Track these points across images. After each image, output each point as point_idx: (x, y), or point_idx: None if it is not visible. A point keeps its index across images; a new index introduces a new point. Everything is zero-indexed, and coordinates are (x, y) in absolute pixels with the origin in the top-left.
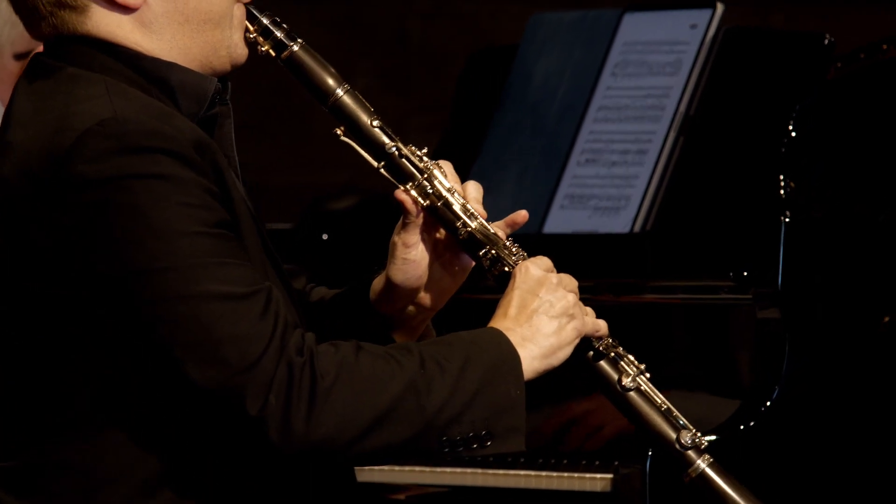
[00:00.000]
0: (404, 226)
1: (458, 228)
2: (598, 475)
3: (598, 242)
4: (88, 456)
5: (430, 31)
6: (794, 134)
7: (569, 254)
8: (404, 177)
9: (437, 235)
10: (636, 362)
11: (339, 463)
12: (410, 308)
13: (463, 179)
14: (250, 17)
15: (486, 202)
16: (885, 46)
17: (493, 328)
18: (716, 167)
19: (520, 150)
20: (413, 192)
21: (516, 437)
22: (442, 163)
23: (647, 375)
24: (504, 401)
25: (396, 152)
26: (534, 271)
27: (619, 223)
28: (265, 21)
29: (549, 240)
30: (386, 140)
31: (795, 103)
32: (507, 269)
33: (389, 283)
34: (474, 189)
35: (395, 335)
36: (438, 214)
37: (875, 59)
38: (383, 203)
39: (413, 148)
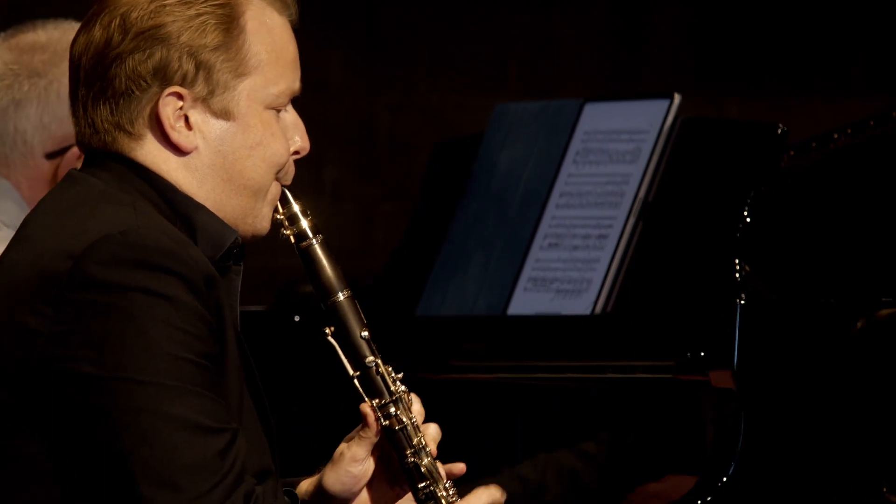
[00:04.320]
0: (359, 439)
1: (406, 457)
2: None
3: (560, 324)
4: None
5: (398, 123)
6: (748, 220)
7: (532, 335)
8: (374, 392)
9: (385, 458)
10: None
11: None
12: None
13: (430, 264)
14: (283, 200)
15: (453, 285)
16: (836, 136)
17: None
18: (673, 251)
19: (485, 235)
20: (377, 410)
21: None
22: (413, 396)
23: None
24: None
25: (374, 368)
26: None
27: (581, 305)
28: (296, 208)
29: (512, 321)
30: (367, 354)
31: (750, 190)
32: None
33: (322, 489)
34: (434, 430)
35: None
36: (393, 438)
37: (826, 149)
38: (353, 288)
39: (390, 369)
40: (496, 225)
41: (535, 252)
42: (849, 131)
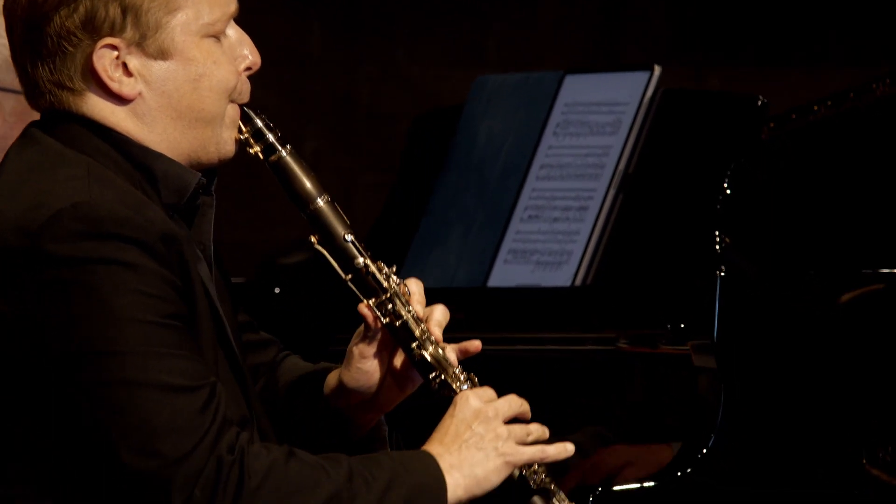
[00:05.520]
0: (363, 338)
1: (412, 349)
2: None
3: (540, 296)
4: None
5: (377, 94)
6: (728, 191)
7: (512, 307)
8: (369, 292)
9: (394, 350)
10: (567, 500)
11: None
12: (359, 409)
13: (411, 236)
14: (245, 118)
15: (433, 257)
16: (815, 107)
17: (424, 451)
18: (654, 223)
19: (465, 206)
20: (374, 309)
21: None
22: (412, 284)
23: None
24: None
25: (364, 268)
26: (472, 402)
27: (561, 277)
28: (259, 123)
29: (492, 293)
30: (356, 255)
31: (730, 162)
32: (451, 395)
33: (342, 385)
34: (440, 313)
35: (347, 428)
36: (396, 334)
37: (806, 120)
38: None
39: (381, 265)
40: (476, 197)
41: (516, 224)
42: (829, 103)
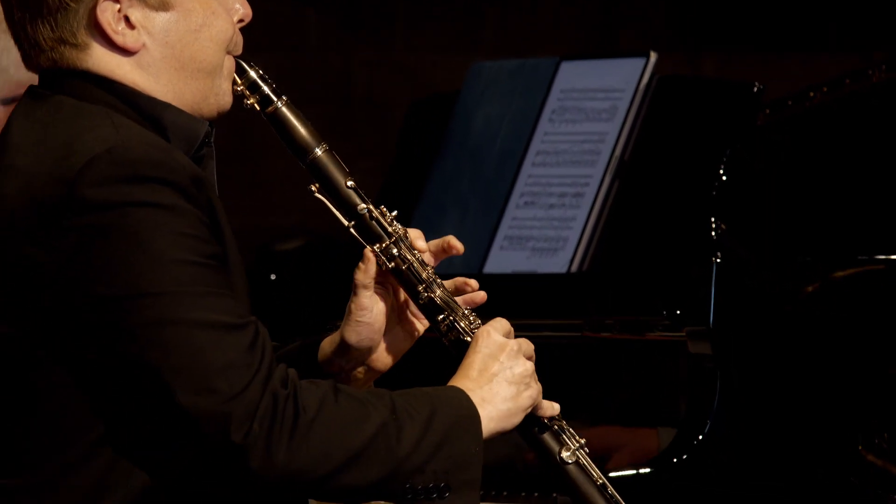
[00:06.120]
0: (358, 287)
1: (419, 293)
2: None
3: (536, 282)
4: (77, 476)
5: (374, 81)
6: (724, 178)
7: (508, 293)
8: (373, 238)
9: (395, 299)
10: (577, 436)
11: (308, 496)
12: (359, 369)
13: (406, 222)
14: (239, 71)
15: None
16: (811, 94)
17: (454, 386)
18: (650, 209)
19: (461, 193)
20: (380, 255)
21: (472, 491)
22: (412, 231)
23: (587, 450)
24: (464, 456)
25: (367, 214)
26: (495, 337)
27: (557, 263)
28: (253, 75)
29: (488, 279)
30: (358, 201)
31: (726, 148)
32: (462, 335)
33: (343, 343)
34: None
35: None
36: (402, 278)
37: (802, 106)
38: (329, 245)
39: (384, 210)
40: (472, 183)
41: (511, 210)
42: (825, 89)
